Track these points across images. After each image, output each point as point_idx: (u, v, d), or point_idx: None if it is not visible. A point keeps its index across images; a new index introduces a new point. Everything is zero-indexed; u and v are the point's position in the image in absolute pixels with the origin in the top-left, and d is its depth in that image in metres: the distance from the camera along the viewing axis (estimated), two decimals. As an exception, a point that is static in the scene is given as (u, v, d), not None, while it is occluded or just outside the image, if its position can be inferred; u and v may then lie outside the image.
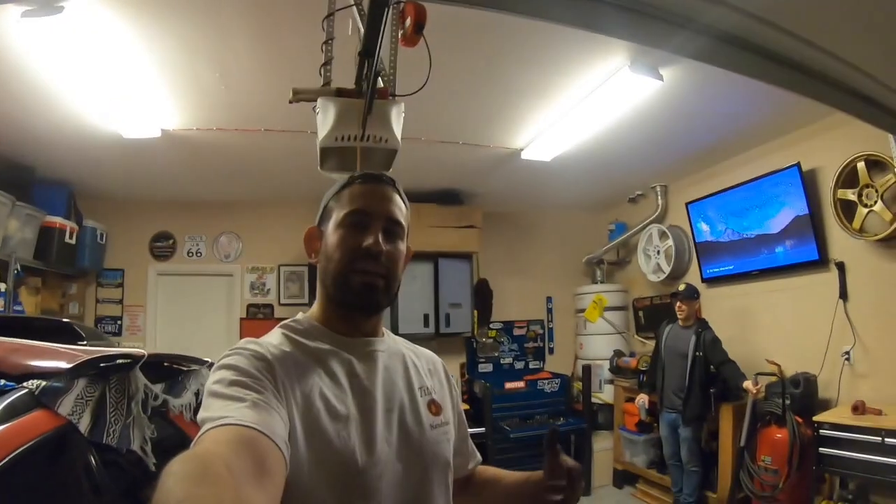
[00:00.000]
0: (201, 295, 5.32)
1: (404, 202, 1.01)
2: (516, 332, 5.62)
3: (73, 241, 4.47)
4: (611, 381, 4.94)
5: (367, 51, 1.69)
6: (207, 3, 2.30)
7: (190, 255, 5.31)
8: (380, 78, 2.10)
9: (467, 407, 4.92)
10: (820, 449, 3.02)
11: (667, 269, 4.55)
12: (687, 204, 4.41)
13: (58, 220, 4.26)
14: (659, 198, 4.76)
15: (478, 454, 1.19)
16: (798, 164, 3.51)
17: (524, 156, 4.01)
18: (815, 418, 3.10)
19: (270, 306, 5.36)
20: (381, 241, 0.92)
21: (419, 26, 1.96)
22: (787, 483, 3.19)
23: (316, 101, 2.00)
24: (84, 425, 1.62)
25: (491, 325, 5.52)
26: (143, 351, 1.90)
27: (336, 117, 1.98)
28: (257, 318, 5.31)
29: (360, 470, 0.82)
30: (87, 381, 1.67)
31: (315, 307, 0.99)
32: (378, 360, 0.95)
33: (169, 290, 5.24)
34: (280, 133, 3.61)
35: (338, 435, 0.82)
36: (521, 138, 3.83)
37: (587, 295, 5.23)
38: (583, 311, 5.21)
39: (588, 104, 3.17)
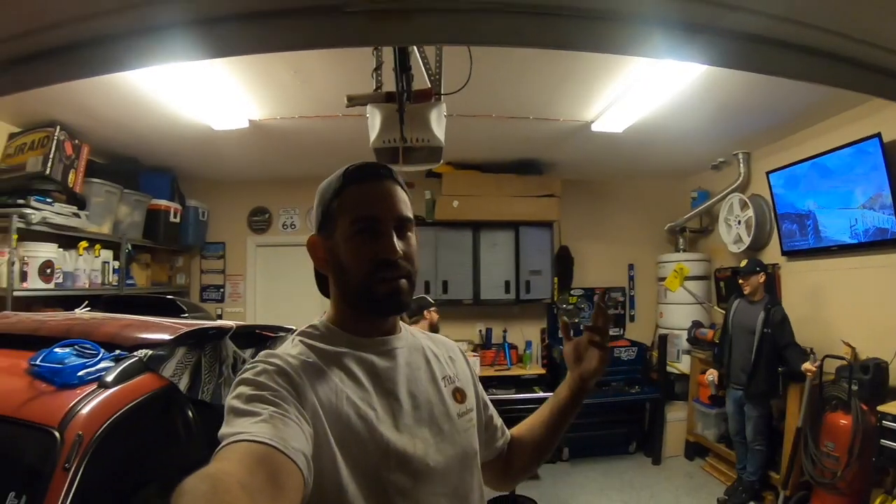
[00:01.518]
0: (296, 263, 5.90)
1: (405, 190, 1.00)
2: (597, 298, 5.76)
3: (178, 220, 5.20)
4: (688, 352, 4.99)
5: (400, 66, 1.99)
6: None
7: (285, 227, 5.92)
8: (427, 78, 2.39)
9: (543, 371, 5.22)
10: (881, 441, 2.95)
11: (747, 239, 4.47)
12: (767, 173, 4.29)
13: (162, 203, 4.99)
14: (741, 165, 4.64)
15: (507, 431, 1.21)
16: (879, 135, 3.33)
17: (594, 128, 4.08)
18: (879, 408, 3.03)
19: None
20: (397, 245, 0.93)
21: None
22: (846, 471, 3.17)
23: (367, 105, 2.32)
24: (183, 385, 2.13)
25: (572, 292, 5.72)
26: (232, 324, 2.39)
27: (382, 122, 2.27)
28: (345, 288, 5.88)
29: (394, 469, 0.87)
30: (185, 349, 2.17)
31: (331, 311, 1.02)
32: (399, 358, 0.99)
33: (266, 260, 5.91)
34: (357, 117, 3.98)
35: (370, 438, 0.86)
36: (591, 111, 3.90)
37: (669, 263, 5.24)
38: (664, 279, 5.24)
39: (657, 72, 3.15)
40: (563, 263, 5.67)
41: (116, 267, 4.46)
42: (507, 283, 5.33)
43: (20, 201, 3.37)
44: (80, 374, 1.67)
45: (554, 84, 3.48)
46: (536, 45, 1.29)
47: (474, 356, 5.28)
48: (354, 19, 1.24)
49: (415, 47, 2.20)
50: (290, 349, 0.93)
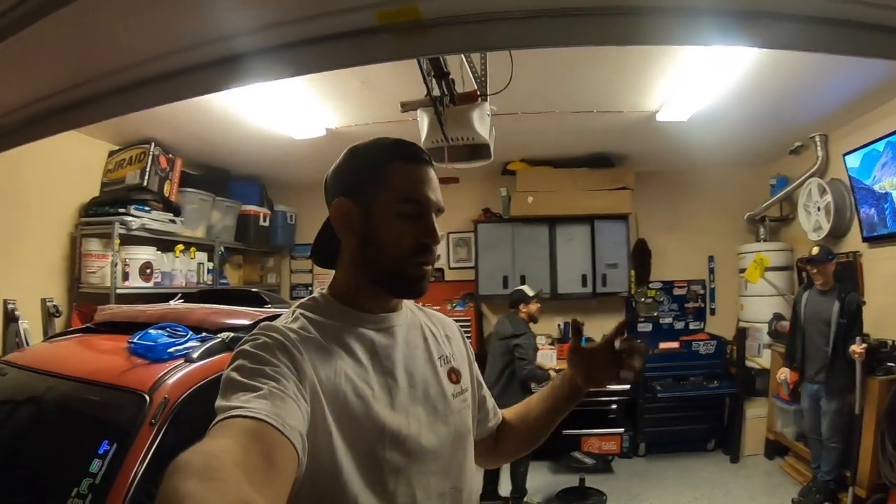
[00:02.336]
0: None
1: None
2: (676, 291, 5.72)
3: (267, 224, 5.70)
4: (769, 346, 4.82)
5: (436, 72, 2.19)
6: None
7: None
8: (474, 80, 2.58)
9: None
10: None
11: (827, 226, 4.27)
12: (844, 155, 4.10)
13: (252, 208, 5.49)
14: (818, 149, 4.43)
15: (499, 412, 1.25)
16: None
17: (659, 118, 4.08)
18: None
19: (441, 270, 6.14)
20: (438, 233, 0.97)
21: None
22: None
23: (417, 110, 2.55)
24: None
25: (650, 285, 5.69)
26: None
27: (429, 124, 2.48)
28: (430, 281, 6.13)
29: (388, 447, 0.89)
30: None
31: (338, 283, 1.01)
32: (398, 336, 1.00)
33: None
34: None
35: (366, 415, 0.88)
36: (653, 100, 3.91)
37: (749, 254, 5.09)
38: (744, 270, 5.10)
39: (717, 57, 3.11)
40: (641, 256, 5.65)
41: (210, 267, 4.98)
42: (584, 277, 5.40)
43: (121, 210, 3.88)
44: (170, 350, 2.02)
45: (612, 76, 3.54)
46: (544, 45, 1.46)
47: (550, 349, 5.38)
48: (380, 38, 1.46)
49: (463, 55, 2.41)
50: (290, 322, 0.93)
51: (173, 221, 4.41)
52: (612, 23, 1.34)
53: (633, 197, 5.31)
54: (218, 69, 1.59)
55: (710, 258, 5.73)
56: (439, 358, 1.05)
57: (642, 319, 5.71)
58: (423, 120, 2.50)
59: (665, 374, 5.03)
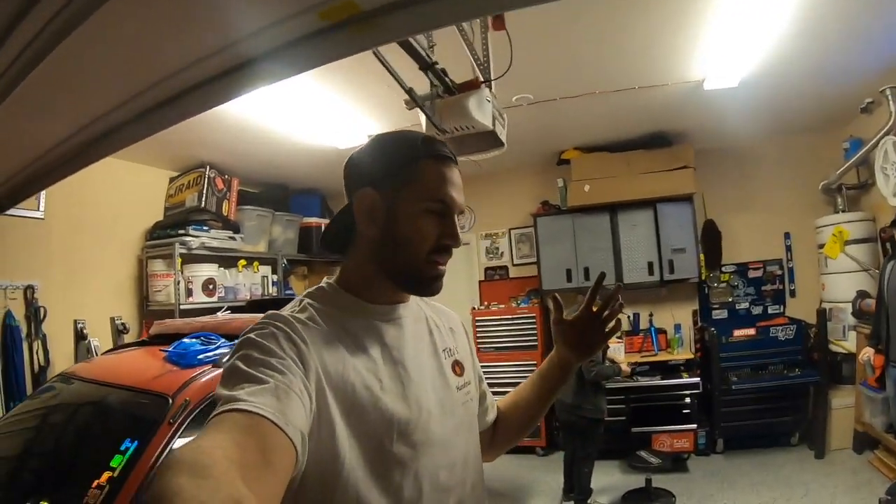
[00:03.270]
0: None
1: None
2: (751, 274, 5.40)
3: (328, 233, 6.00)
4: (855, 328, 4.45)
5: (421, 65, 2.24)
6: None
7: None
8: (476, 67, 2.61)
9: (692, 355, 5.08)
10: None
11: (906, 189, 3.91)
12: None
13: (313, 220, 5.79)
14: (891, 103, 3.99)
15: (496, 405, 1.27)
16: None
17: (707, 86, 3.89)
18: None
19: (505, 267, 6.20)
20: (460, 235, 0.99)
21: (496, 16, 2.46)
22: None
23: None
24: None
25: (723, 269, 5.44)
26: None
27: (426, 119, 2.51)
28: (494, 279, 6.21)
29: (396, 439, 0.89)
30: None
31: (348, 274, 1.02)
32: (405, 328, 1.02)
33: None
34: (507, 109, 4.20)
35: (374, 407, 0.88)
36: (697, 68, 3.72)
37: (827, 227, 4.73)
38: (823, 246, 4.76)
39: (759, 5, 2.86)
40: (710, 239, 5.40)
41: (275, 280, 5.31)
42: (650, 265, 5.24)
43: (181, 231, 4.25)
44: (200, 357, 2.22)
45: (646, 47, 3.40)
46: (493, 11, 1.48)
47: (618, 342, 5.29)
48: (330, 38, 1.55)
49: (462, 40, 2.45)
50: (297, 312, 0.93)
51: (233, 238, 4.75)
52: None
53: (697, 176, 5.11)
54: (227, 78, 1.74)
55: (787, 235, 5.35)
56: (444, 350, 1.08)
57: (716, 306, 5.44)
58: (422, 115, 2.53)
59: (742, 364, 4.79)
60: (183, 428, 1.86)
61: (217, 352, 2.26)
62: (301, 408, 0.77)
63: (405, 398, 0.93)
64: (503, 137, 2.58)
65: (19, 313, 3.48)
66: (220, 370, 2.10)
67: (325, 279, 1.04)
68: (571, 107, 4.24)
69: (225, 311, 3.40)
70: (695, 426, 4.62)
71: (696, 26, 3.14)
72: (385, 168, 0.98)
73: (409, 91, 2.13)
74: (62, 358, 3.65)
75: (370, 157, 1.02)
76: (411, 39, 1.95)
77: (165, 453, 1.77)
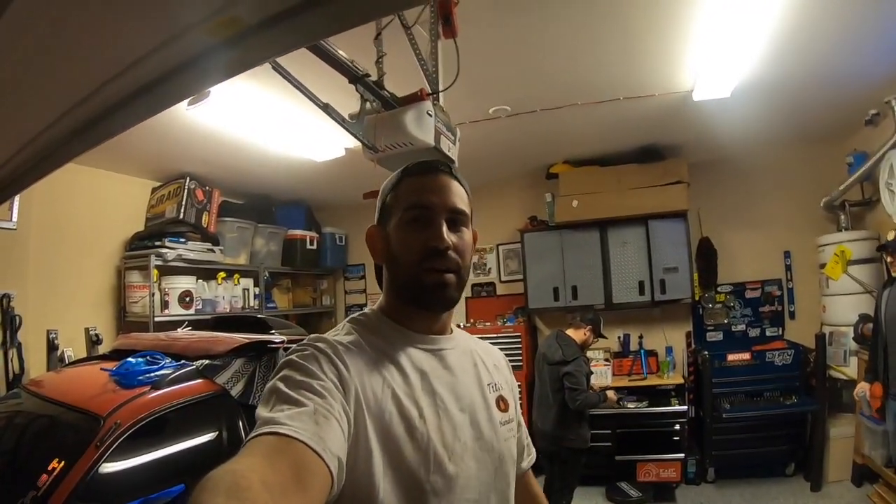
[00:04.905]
0: None
1: (464, 187, 1.08)
2: (749, 294, 5.32)
3: (315, 247, 6.05)
4: (857, 353, 4.37)
5: (350, 78, 2.22)
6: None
7: None
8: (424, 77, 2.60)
9: (682, 380, 5.01)
10: None
11: (911, 206, 3.83)
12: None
13: (298, 232, 5.86)
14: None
15: (533, 451, 1.30)
16: None
17: (696, 97, 3.83)
18: None
19: (492, 284, 6.22)
20: (446, 235, 0.99)
21: (446, 19, 2.48)
22: None
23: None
24: (236, 391, 2.64)
25: (718, 289, 5.38)
26: (284, 338, 2.90)
27: (363, 134, 2.43)
28: (481, 296, 6.23)
29: (433, 470, 0.91)
30: (244, 360, 2.70)
31: (384, 302, 1.08)
32: (448, 359, 1.04)
33: None
34: (482, 123, 4.21)
35: (411, 437, 0.90)
36: (684, 78, 3.67)
37: (829, 246, 4.66)
38: (825, 266, 4.70)
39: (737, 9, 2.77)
40: (706, 257, 5.32)
41: (257, 293, 5.38)
42: (641, 284, 5.21)
43: (157, 243, 4.33)
44: (140, 377, 2.28)
45: (628, 55, 3.35)
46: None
47: (605, 366, 5.28)
48: (224, 54, 1.60)
49: (413, 52, 2.47)
50: (341, 336, 0.98)
51: (212, 250, 4.83)
52: None
53: (692, 191, 5.07)
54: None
55: (786, 254, 5.27)
56: (488, 385, 1.09)
57: (711, 327, 5.37)
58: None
59: (735, 390, 4.72)
60: (110, 451, 1.92)
61: (158, 372, 2.32)
62: (339, 432, 0.80)
63: (442, 429, 0.95)
64: (452, 154, 2.51)
65: None
66: (158, 392, 2.19)
67: (369, 305, 1.13)
68: (556, 119, 4.22)
69: (185, 326, 3.48)
70: (681, 455, 4.55)
71: (680, 32, 3.08)
72: (380, 203, 1.09)
73: (325, 107, 2.13)
74: (36, 367, 3.75)
75: (377, 202, 1.11)
76: (331, 50, 1.95)
77: (91, 475, 1.84)
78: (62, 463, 1.86)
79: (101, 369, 2.42)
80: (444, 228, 1.00)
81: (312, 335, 0.97)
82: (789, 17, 2.86)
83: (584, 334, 4.06)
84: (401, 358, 0.98)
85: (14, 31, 1.39)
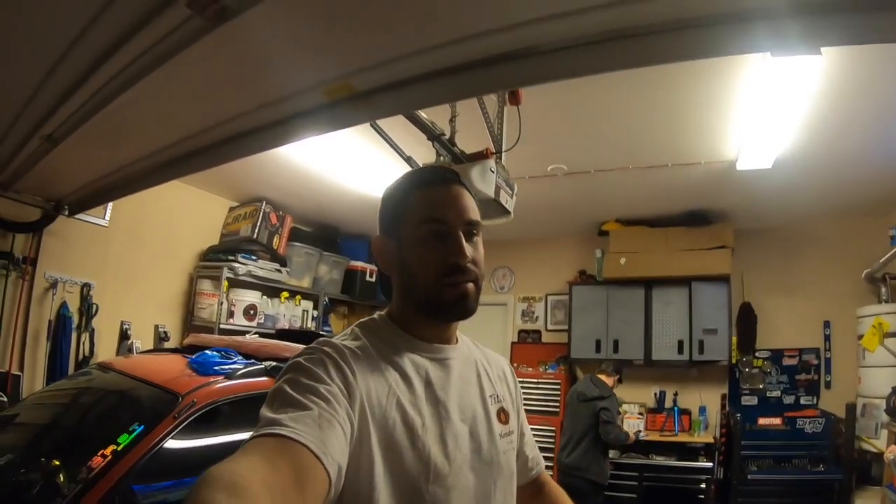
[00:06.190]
0: (481, 322, 6.51)
1: (471, 193, 1.05)
2: (786, 361, 5.31)
3: (373, 280, 6.36)
4: (888, 426, 4.31)
5: (429, 136, 2.57)
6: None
7: None
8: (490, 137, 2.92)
9: (711, 440, 5.01)
10: None
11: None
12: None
13: (359, 264, 6.22)
14: None
15: (541, 460, 1.29)
16: None
17: (739, 167, 4.00)
18: None
19: (538, 332, 6.41)
20: (466, 249, 0.97)
21: (511, 92, 2.79)
22: None
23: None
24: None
25: (756, 354, 5.41)
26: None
27: None
28: (526, 342, 6.42)
29: (432, 480, 0.89)
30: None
31: (393, 310, 1.06)
32: (453, 369, 1.03)
33: None
34: (541, 178, 4.52)
35: (412, 446, 0.89)
36: (729, 147, 3.85)
37: (868, 318, 4.66)
38: (862, 337, 4.69)
39: (780, 87, 2.91)
40: (746, 322, 5.37)
41: (315, 315, 5.71)
42: (680, 343, 5.30)
43: (230, 258, 4.72)
44: (215, 367, 2.58)
45: (677, 126, 3.60)
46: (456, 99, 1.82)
47: (639, 418, 5.33)
48: (334, 111, 1.94)
49: (480, 112, 2.78)
50: (349, 341, 0.96)
51: (279, 271, 5.20)
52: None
53: (736, 256, 5.22)
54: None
55: (826, 323, 5.26)
56: (490, 396, 1.08)
57: (746, 392, 5.38)
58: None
59: (764, 454, 4.73)
60: (184, 424, 2.20)
61: (231, 366, 2.62)
62: (342, 438, 0.79)
63: (443, 440, 0.94)
64: (509, 206, 2.84)
65: (74, 306, 4.03)
66: (230, 382, 2.46)
67: (377, 311, 1.09)
68: (609, 180, 4.49)
69: (253, 334, 3.79)
70: (703, 513, 4.57)
71: (724, 105, 3.28)
72: (387, 214, 1.05)
73: (408, 160, 2.46)
74: (105, 352, 4.16)
75: (380, 209, 1.08)
76: (416, 113, 2.29)
77: (165, 442, 2.11)
78: (141, 427, 2.13)
79: (184, 357, 2.72)
80: (464, 242, 0.98)
81: (321, 339, 0.97)
82: (829, 92, 3.01)
83: (612, 381, 4.33)
84: (406, 366, 0.97)
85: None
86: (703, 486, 4.70)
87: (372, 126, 2.21)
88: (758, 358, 5.40)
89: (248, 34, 1.56)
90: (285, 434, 0.73)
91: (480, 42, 1.60)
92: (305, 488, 0.69)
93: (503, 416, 1.08)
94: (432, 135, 2.46)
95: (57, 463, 1.94)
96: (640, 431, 4.93)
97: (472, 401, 1.03)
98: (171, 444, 2.12)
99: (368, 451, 0.85)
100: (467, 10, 1.53)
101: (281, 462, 0.69)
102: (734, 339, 5.29)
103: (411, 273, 0.99)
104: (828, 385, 5.21)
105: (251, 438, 0.74)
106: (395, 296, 1.06)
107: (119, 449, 2.03)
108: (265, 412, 0.79)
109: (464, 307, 0.98)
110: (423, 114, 2.37)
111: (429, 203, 0.99)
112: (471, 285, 0.98)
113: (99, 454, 2.00)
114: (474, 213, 1.02)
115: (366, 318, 1.06)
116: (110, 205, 4.14)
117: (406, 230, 1.00)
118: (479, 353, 1.16)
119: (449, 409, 0.97)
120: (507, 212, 2.93)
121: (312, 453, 0.72)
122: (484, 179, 2.63)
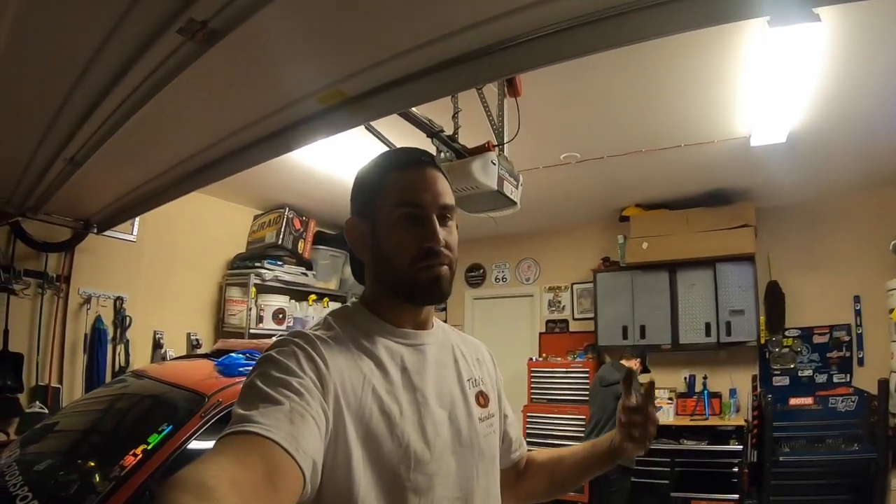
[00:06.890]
0: (507, 314, 6.81)
1: (445, 177, 1.03)
2: (816, 339, 5.20)
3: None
4: None
5: (427, 133, 2.64)
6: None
7: (497, 280, 6.90)
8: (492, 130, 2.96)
9: (743, 422, 4.96)
10: None
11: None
12: None
13: (384, 263, 6.32)
14: None
15: (524, 443, 1.28)
16: None
17: (753, 143, 3.94)
18: None
19: (566, 321, 6.45)
20: (440, 234, 0.97)
21: (509, 82, 2.83)
22: None
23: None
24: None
25: (786, 333, 5.31)
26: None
27: None
28: (554, 332, 6.47)
29: (413, 468, 0.89)
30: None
31: (367, 296, 1.05)
32: (428, 354, 1.02)
33: (482, 310, 6.95)
34: (556, 168, 4.55)
35: (390, 435, 0.88)
36: (741, 124, 3.78)
37: (896, 291, 4.56)
38: (893, 311, 4.57)
39: (783, 56, 2.81)
40: (774, 301, 5.30)
41: (343, 317, 5.83)
42: (708, 326, 5.26)
43: (257, 264, 4.87)
44: (241, 369, 2.69)
45: (686, 104, 3.55)
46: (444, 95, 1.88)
47: (669, 404, 5.30)
48: (328, 117, 2.02)
49: (481, 106, 2.83)
50: (321, 331, 0.95)
51: (305, 274, 5.34)
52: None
53: (760, 235, 5.17)
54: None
55: (856, 299, 5.11)
56: (468, 380, 1.07)
57: (777, 372, 5.29)
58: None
59: (796, 434, 4.66)
60: (210, 423, 2.31)
61: (254, 366, 2.74)
62: (315, 432, 0.77)
63: (422, 426, 0.93)
64: (514, 197, 2.86)
65: (108, 319, 4.24)
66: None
67: (351, 299, 1.10)
68: (624, 164, 4.47)
69: (279, 336, 3.92)
70: (737, 496, 4.52)
71: (730, 79, 3.22)
72: (361, 195, 1.04)
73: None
74: (140, 361, 4.36)
75: (352, 192, 1.06)
76: (410, 112, 2.35)
77: (192, 441, 2.22)
78: (170, 427, 2.25)
79: (211, 361, 2.85)
80: (437, 226, 0.97)
81: (293, 330, 1.05)
82: (835, 60, 2.93)
83: (635, 365, 4.33)
84: (381, 353, 0.96)
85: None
86: (735, 469, 4.66)
87: (366, 128, 2.27)
88: (787, 337, 5.30)
89: (236, 52, 1.65)
90: (255, 431, 0.71)
91: (463, 36, 1.64)
92: (278, 486, 0.68)
93: (482, 399, 1.07)
94: (430, 132, 2.52)
95: (92, 464, 2.07)
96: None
97: (450, 385, 1.03)
98: (197, 442, 2.25)
99: (345, 442, 0.84)
100: (445, 7, 1.57)
101: (251, 460, 0.68)
102: (762, 318, 5.22)
103: (385, 256, 0.98)
104: (860, 362, 5.07)
105: (221, 437, 0.73)
106: (367, 280, 1.06)
107: (149, 448, 2.15)
108: (237, 409, 0.77)
109: (438, 291, 0.97)
110: (417, 112, 2.43)
111: (403, 186, 0.98)
112: (444, 269, 0.97)
113: (130, 453, 2.13)
114: (449, 197, 1.01)
115: (339, 307, 1.06)
116: (137, 221, 4.34)
117: (380, 213, 0.99)
118: (457, 337, 1.15)
119: (426, 395, 0.96)
120: (513, 202, 2.96)
121: (284, 450, 0.71)
122: (486, 172, 2.66)
